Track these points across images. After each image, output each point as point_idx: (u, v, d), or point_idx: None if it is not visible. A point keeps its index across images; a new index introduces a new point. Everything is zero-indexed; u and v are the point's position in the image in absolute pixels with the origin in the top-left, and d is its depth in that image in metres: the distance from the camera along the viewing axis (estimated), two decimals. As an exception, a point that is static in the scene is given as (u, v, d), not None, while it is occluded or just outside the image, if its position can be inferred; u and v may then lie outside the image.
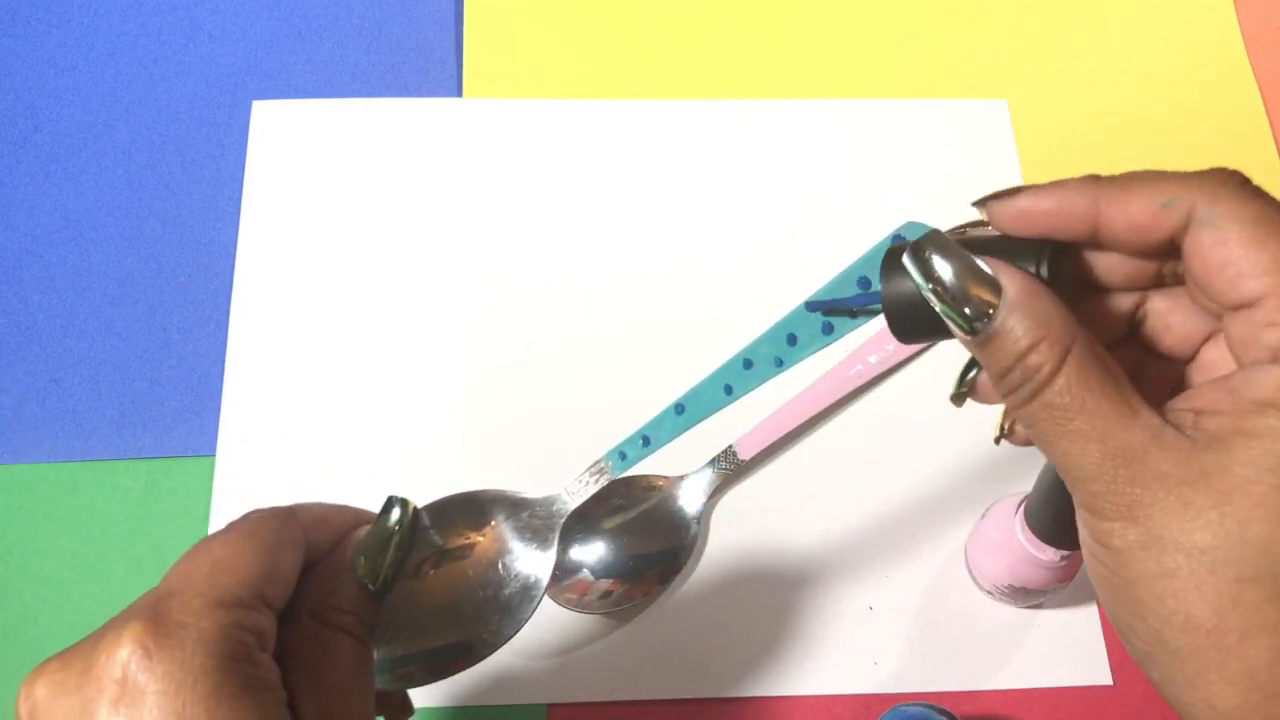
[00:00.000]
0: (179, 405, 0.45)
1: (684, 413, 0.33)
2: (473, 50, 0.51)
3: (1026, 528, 0.37)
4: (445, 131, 0.50)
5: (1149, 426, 0.21)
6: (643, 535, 0.42)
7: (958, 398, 0.26)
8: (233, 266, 0.47)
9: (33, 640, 0.41)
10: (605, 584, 0.41)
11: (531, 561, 0.30)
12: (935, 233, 0.23)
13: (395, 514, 0.28)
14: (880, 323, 0.46)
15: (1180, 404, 0.22)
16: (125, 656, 0.22)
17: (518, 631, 0.29)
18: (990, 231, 0.24)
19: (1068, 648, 0.42)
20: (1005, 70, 0.52)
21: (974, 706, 0.41)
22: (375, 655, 0.27)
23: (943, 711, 0.36)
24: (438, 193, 0.48)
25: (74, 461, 0.44)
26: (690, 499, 0.42)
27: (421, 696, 0.40)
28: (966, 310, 0.22)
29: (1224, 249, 0.21)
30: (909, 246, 0.23)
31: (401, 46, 0.52)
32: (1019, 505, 0.38)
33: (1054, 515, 0.35)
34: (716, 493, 0.43)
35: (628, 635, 0.41)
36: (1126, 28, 0.54)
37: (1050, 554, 0.37)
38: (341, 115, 0.50)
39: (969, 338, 0.22)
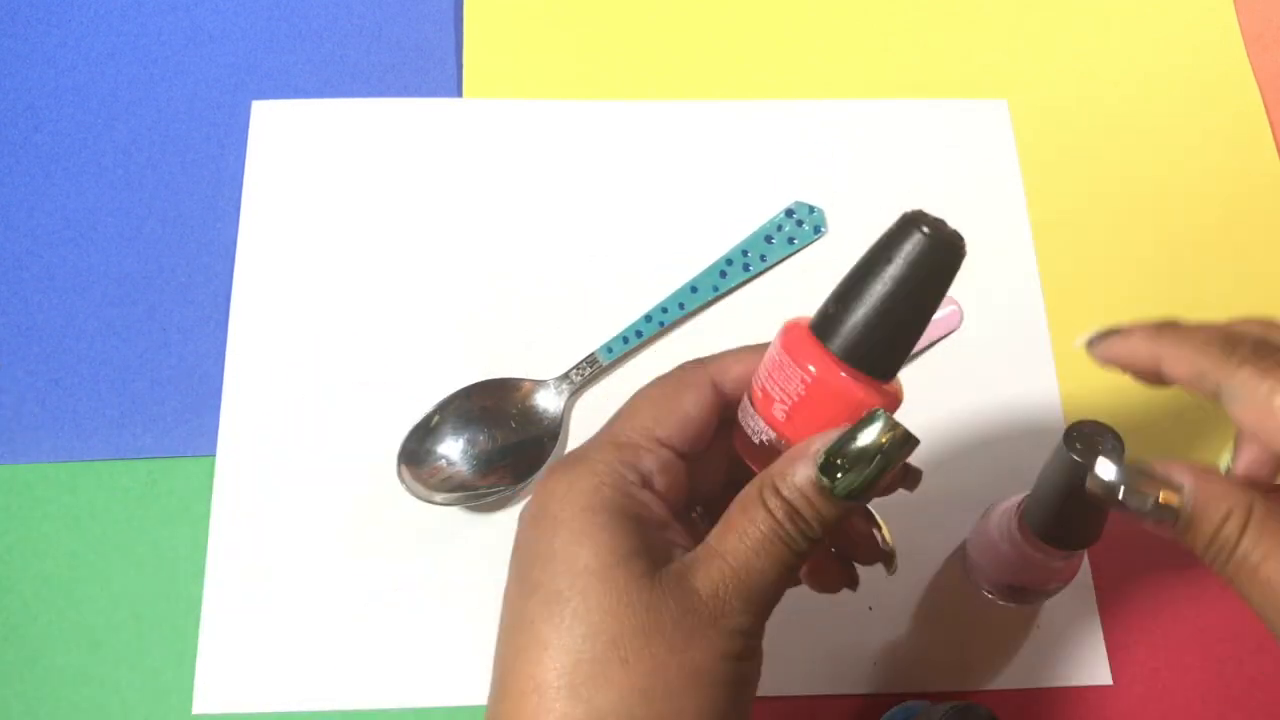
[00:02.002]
0: (179, 405, 0.45)
1: (651, 320, 0.45)
2: (473, 50, 0.51)
3: (1026, 528, 0.37)
4: (445, 131, 0.50)
5: None
6: None
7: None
8: (233, 266, 0.47)
9: (33, 640, 0.41)
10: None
11: None
12: (1125, 467, 0.26)
13: (877, 427, 0.26)
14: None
15: None
16: (544, 476, 0.28)
17: None
18: None
19: (1068, 648, 0.42)
20: (1005, 70, 0.52)
21: (974, 706, 0.41)
22: None
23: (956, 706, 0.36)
24: (438, 193, 0.48)
25: (74, 461, 0.44)
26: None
27: (419, 696, 0.41)
28: (1165, 513, 0.26)
29: (1251, 417, 0.26)
30: (1102, 489, 0.26)
31: (401, 46, 0.52)
32: (1019, 505, 0.38)
33: (1054, 516, 0.35)
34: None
35: (628, 635, 0.41)
36: (1126, 28, 0.54)
37: (1050, 554, 0.37)
38: (341, 115, 0.50)
39: (1173, 530, 0.26)
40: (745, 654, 0.26)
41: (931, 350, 0.46)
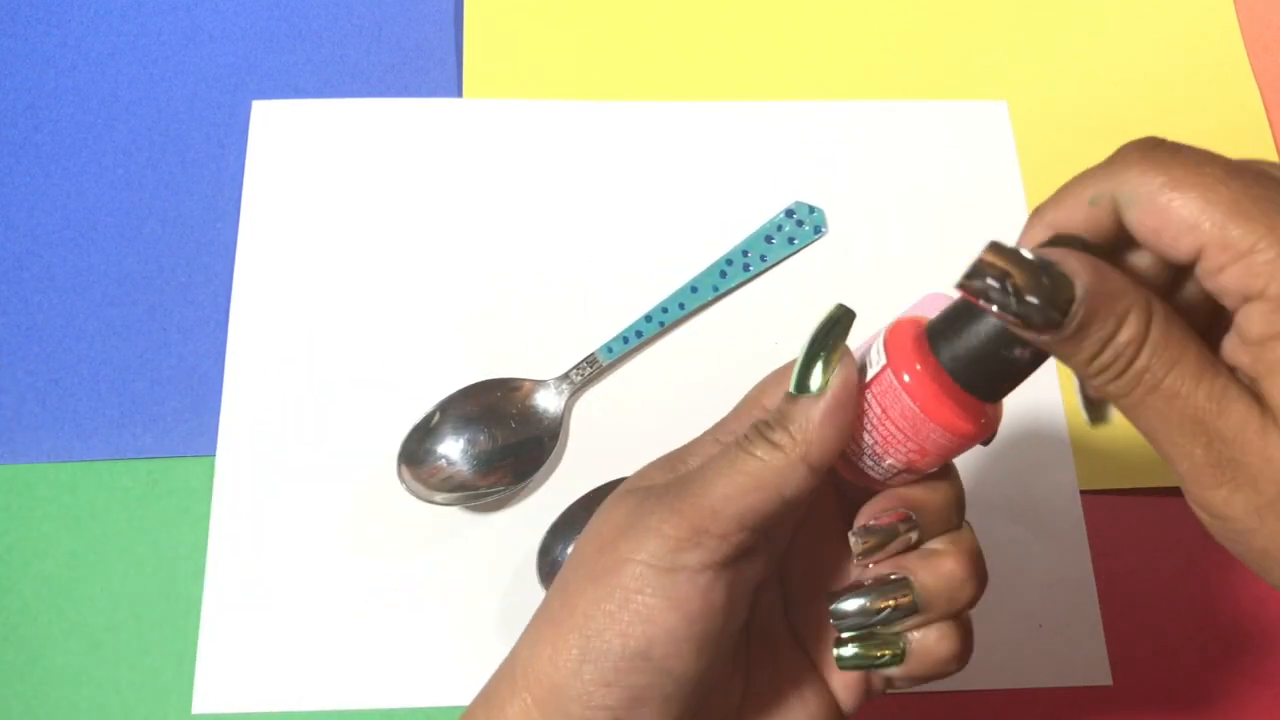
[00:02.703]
0: (179, 405, 0.45)
1: (651, 320, 0.45)
2: (473, 50, 0.51)
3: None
4: (445, 131, 0.50)
5: (1228, 381, 0.21)
6: None
7: (1097, 416, 0.26)
8: (233, 266, 0.47)
9: (33, 640, 0.41)
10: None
11: None
12: (995, 245, 0.22)
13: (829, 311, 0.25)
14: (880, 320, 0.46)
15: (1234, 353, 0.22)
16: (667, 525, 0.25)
17: None
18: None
19: (1068, 648, 0.42)
20: (1005, 70, 0.52)
21: (974, 706, 0.41)
22: None
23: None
24: (438, 193, 0.48)
25: (74, 461, 0.44)
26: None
27: (419, 696, 0.40)
28: (1046, 312, 0.21)
29: (1149, 220, 0.22)
30: (963, 275, 0.22)
31: (401, 46, 0.52)
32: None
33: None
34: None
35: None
36: (1126, 28, 0.54)
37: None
38: (341, 115, 0.50)
39: (1054, 334, 0.22)
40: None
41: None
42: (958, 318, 0.24)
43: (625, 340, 0.45)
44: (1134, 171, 0.22)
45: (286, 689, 0.40)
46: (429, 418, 0.43)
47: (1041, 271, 0.21)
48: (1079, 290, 0.21)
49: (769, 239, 0.48)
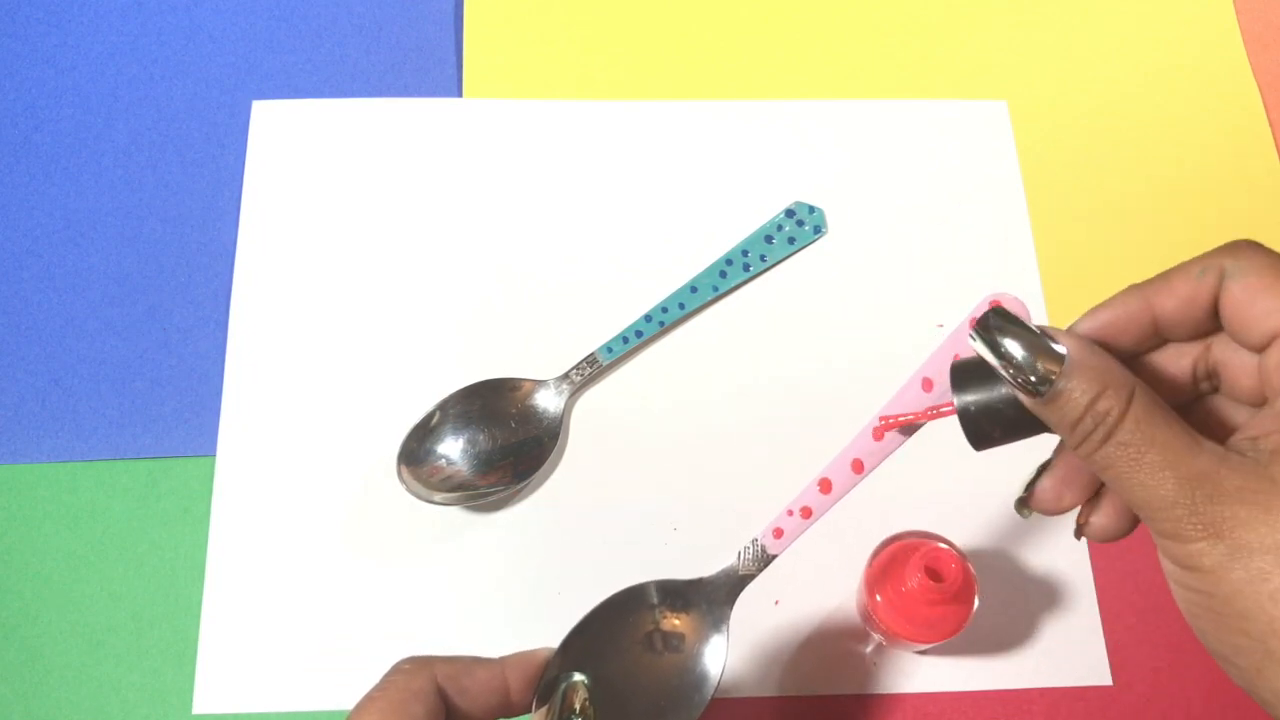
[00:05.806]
0: (179, 405, 0.45)
1: (651, 320, 0.45)
2: (473, 50, 0.51)
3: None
4: (445, 131, 0.50)
5: (1214, 452, 0.23)
6: None
7: (1021, 504, 0.29)
8: (233, 266, 0.47)
9: (33, 640, 0.41)
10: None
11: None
12: (998, 311, 0.25)
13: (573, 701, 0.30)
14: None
15: (1236, 437, 0.24)
16: None
17: None
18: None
19: (1068, 648, 0.42)
20: (1005, 70, 0.52)
21: (974, 706, 0.41)
22: None
23: None
24: (438, 193, 0.48)
25: (74, 461, 0.44)
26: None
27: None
28: (1034, 376, 0.24)
29: (1248, 292, 0.24)
30: (974, 327, 0.25)
31: (401, 46, 0.52)
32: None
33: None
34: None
35: (628, 635, 0.41)
36: (1126, 28, 0.54)
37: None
38: (341, 115, 0.50)
39: (1038, 399, 0.24)
40: None
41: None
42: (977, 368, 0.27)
43: (625, 340, 0.45)
44: (1249, 252, 0.24)
45: (286, 689, 0.40)
46: (429, 418, 0.43)
47: (1035, 342, 0.24)
48: (1065, 362, 0.24)
49: (769, 239, 0.48)
